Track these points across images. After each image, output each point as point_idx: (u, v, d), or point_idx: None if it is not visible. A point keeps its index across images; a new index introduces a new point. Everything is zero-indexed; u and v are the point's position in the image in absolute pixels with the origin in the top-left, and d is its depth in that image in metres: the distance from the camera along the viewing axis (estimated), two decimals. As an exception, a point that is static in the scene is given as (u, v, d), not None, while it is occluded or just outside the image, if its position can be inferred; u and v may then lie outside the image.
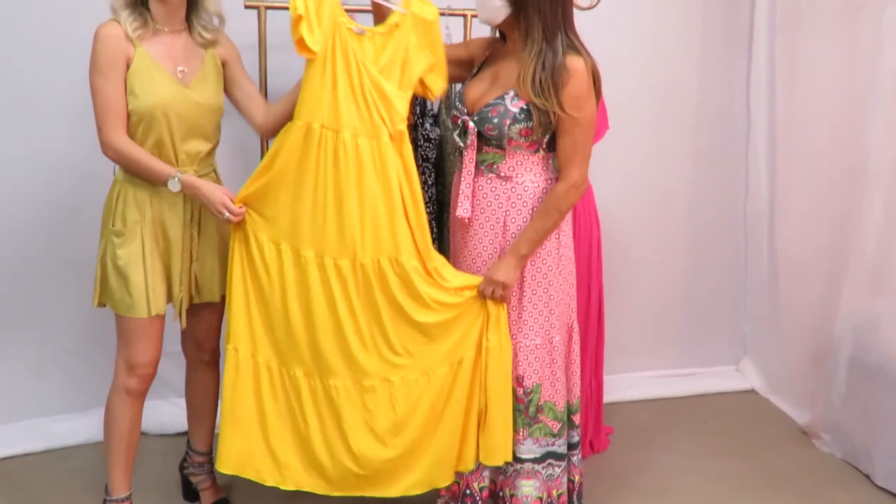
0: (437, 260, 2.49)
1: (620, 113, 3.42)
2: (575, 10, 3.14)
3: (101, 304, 2.53)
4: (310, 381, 2.49)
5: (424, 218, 2.46)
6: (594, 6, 3.13)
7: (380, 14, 2.51)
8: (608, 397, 3.54)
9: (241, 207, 2.42)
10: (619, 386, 3.84)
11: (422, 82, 2.47)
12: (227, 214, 2.39)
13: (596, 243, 3.26)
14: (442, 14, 2.61)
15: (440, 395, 2.49)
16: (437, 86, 2.48)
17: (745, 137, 3.93)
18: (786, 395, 3.83)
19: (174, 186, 2.37)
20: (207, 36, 2.52)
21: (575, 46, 2.39)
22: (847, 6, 3.33)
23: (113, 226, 2.44)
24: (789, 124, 3.68)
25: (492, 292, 2.44)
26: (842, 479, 3.24)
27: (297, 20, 2.30)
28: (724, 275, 4.08)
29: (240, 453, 2.51)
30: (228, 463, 2.52)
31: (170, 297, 2.54)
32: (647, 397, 3.89)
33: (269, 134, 2.62)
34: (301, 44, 2.34)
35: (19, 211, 3.24)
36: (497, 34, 2.58)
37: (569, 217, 2.57)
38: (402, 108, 2.39)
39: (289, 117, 2.44)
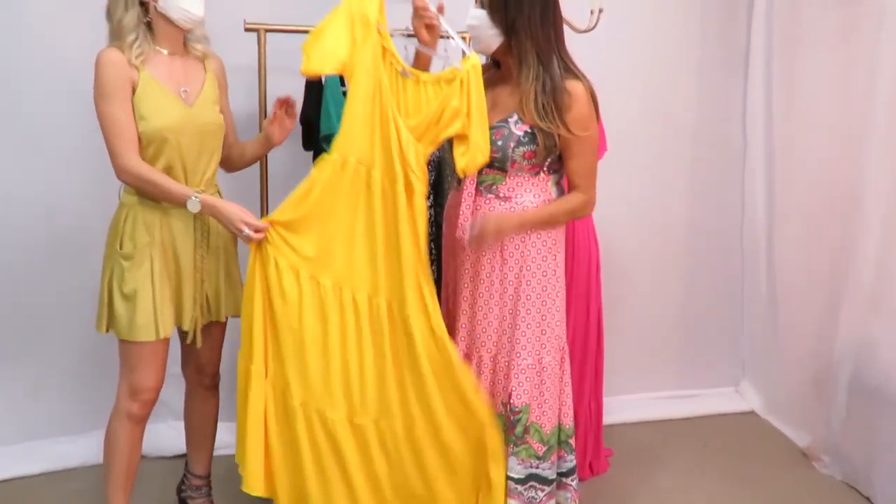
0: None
1: (619, 135, 3.44)
2: (572, 33, 3.20)
3: (107, 330, 2.52)
4: (305, 411, 2.45)
5: (426, 269, 2.43)
6: (591, 29, 3.17)
7: (420, 61, 2.55)
8: (608, 419, 3.53)
9: (264, 224, 2.40)
10: (619, 407, 3.83)
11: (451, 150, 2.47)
12: (247, 231, 2.36)
13: (595, 264, 3.26)
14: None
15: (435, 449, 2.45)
16: (461, 163, 2.42)
17: (742, 160, 3.95)
18: (785, 416, 3.82)
19: (194, 207, 2.37)
20: (200, 47, 2.56)
21: (571, 70, 2.44)
22: (842, 30, 3.35)
23: (121, 248, 2.44)
24: (786, 147, 3.70)
25: (478, 236, 2.41)
26: (842, 502, 3.23)
27: (339, 69, 2.37)
28: (723, 296, 4.09)
29: (255, 474, 2.48)
30: (254, 485, 2.49)
31: (177, 320, 2.54)
32: (646, 419, 3.88)
33: (229, 168, 2.70)
34: (308, 63, 2.39)
35: (18, 235, 3.25)
36: (490, 61, 2.60)
37: (562, 239, 2.59)
38: (414, 160, 2.37)
39: (252, 162, 2.59)
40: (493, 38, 2.42)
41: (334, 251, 2.42)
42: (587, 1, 3.18)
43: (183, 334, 2.60)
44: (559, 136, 2.40)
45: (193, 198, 2.36)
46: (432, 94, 2.39)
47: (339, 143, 2.40)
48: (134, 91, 2.37)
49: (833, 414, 3.38)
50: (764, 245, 3.87)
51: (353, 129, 2.38)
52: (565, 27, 3.16)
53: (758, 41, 3.78)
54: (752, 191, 3.90)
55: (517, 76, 2.43)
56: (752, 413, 4.00)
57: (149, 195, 2.42)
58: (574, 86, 2.40)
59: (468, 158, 2.39)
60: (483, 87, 2.39)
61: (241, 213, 2.39)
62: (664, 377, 4.05)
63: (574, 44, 3.17)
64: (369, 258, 2.41)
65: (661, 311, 4.02)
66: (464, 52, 2.43)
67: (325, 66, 2.38)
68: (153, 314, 2.43)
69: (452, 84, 2.36)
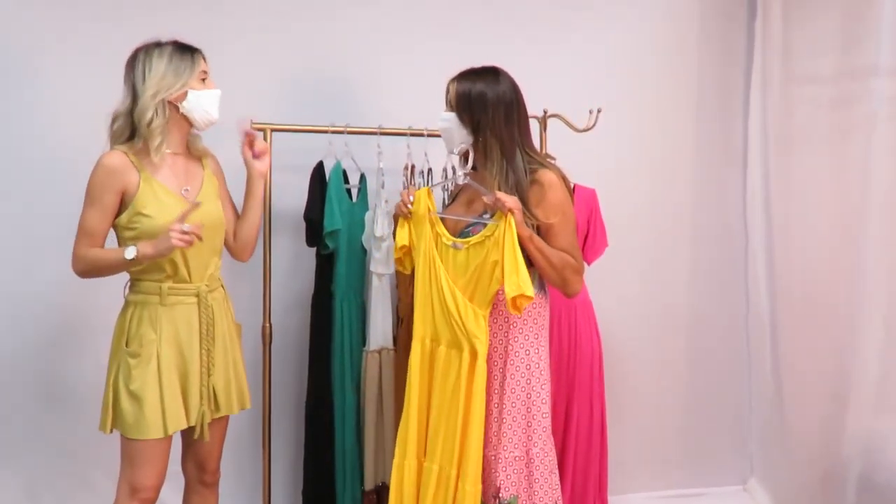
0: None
1: (619, 231, 3.48)
2: (571, 132, 3.27)
3: (112, 430, 2.48)
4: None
5: (480, 438, 2.51)
6: (590, 128, 3.23)
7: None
8: (613, 519, 3.46)
9: (189, 227, 2.38)
10: (625, 507, 3.75)
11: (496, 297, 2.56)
12: (177, 236, 2.33)
13: (597, 358, 3.26)
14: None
15: None
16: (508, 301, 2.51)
17: (744, 253, 3.97)
18: (796, 515, 3.74)
19: (130, 254, 2.37)
20: (200, 146, 2.62)
21: (537, 161, 2.57)
22: (835, 133, 3.42)
23: (128, 347, 2.44)
24: (787, 240, 3.73)
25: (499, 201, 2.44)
26: None
27: (402, 250, 2.67)
28: (729, 391, 4.05)
29: None
30: None
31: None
32: (653, 519, 3.80)
33: (237, 256, 2.72)
34: (400, 262, 2.72)
35: (13, 335, 3.26)
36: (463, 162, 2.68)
37: (545, 332, 2.62)
38: (474, 326, 2.49)
39: (248, 235, 2.67)
40: (463, 138, 2.56)
41: (419, 424, 2.60)
42: (586, 101, 3.25)
43: (188, 430, 2.57)
44: (536, 225, 2.49)
45: (129, 247, 2.38)
46: (474, 254, 2.52)
47: (416, 327, 2.63)
48: (132, 192, 2.42)
49: (843, 513, 3.32)
50: (768, 339, 3.86)
51: (422, 311, 2.61)
52: (565, 126, 3.27)
53: (754, 138, 3.85)
54: (756, 283, 3.91)
55: (484, 172, 2.57)
56: (761, 512, 3.92)
57: (99, 272, 2.46)
58: (545, 174, 2.52)
59: (510, 298, 2.45)
60: (509, 229, 2.45)
61: (171, 226, 2.37)
62: (670, 475, 3.98)
63: (573, 144, 3.28)
64: (432, 427, 2.56)
65: (666, 407, 3.98)
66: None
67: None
68: (160, 411, 2.42)
69: (489, 241, 2.48)
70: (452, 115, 2.56)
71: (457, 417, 2.50)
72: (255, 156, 2.63)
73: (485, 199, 2.49)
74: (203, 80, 2.50)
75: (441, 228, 2.61)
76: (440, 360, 2.56)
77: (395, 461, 2.60)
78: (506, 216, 2.41)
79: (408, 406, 2.61)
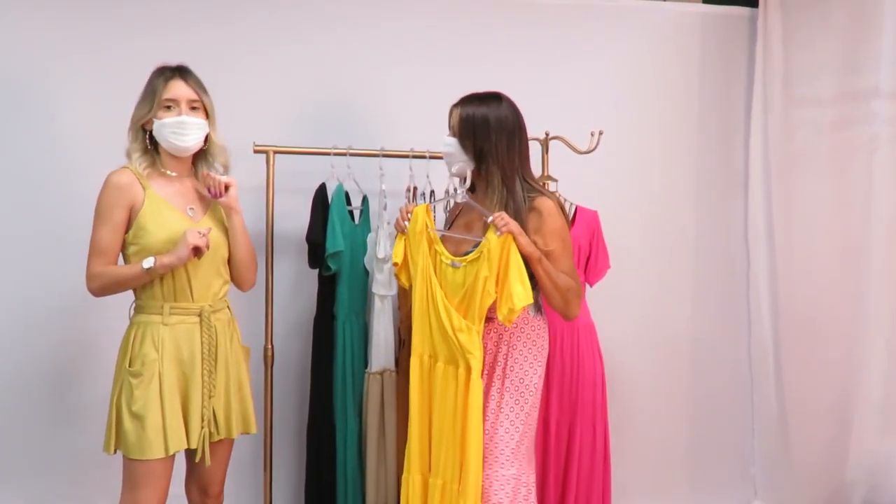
0: None
1: (621, 252, 3.48)
2: (574, 155, 3.28)
3: (115, 451, 2.48)
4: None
5: (479, 454, 2.53)
6: (592, 150, 3.24)
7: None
8: (616, 543, 3.43)
9: (203, 230, 2.46)
10: (628, 531, 3.72)
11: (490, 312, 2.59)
12: (194, 234, 2.40)
13: (600, 380, 3.25)
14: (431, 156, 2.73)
15: None
16: (502, 314, 2.52)
17: (746, 277, 3.96)
18: (800, 538, 3.71)
19: (149, 263, 2.40)
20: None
21: (536, 189, 2.61)
22: (838, 151, 3.43)
23: (130, 366, 2.44)
24: (789, 264, 3.72)
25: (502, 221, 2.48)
26: None
27: (397, 266, 2.72)
28: (732, 414, 4.02)
29: None
30: None
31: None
32: (657, 542, 3.77)
33: (236, 286, 2.71)
34: (398, 277, 2.76)
35: (15, 356, 3.26)
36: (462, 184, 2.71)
37: (544, 354, 2.65)
38: (468, 342, 2.53)
39: (236, 268, 2.64)
40: (466, 164, 2.60)
41: (420, 440, 2.64)
42: (588, 123, 3.26)
43: (188, 452, 2.56)
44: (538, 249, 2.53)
45: (147, 259, 2.40)
46: (469, 271, 2.55)
47: (414, 345, 2.67)
48: (138, 208, 2.45)
49: (849, 536, 3.29)
50: (772, 362, 3.84)
51: (420, 328, 2.65)
52: (566, 148, 3.28)
53: (756, 162, 3.85)
54: (758, 308, 3.90)
55: (484, 199, 2.61)
56: (765, 535, 3.89)
57: (118, 287, 2.47)
58: (543, 202, 2.57)
59: (506, 308, 2.49)
60: (512, 251, 2.49)
61: (187, 233, 2.42)
62: (673, 498, 3.95)
63: (575, 167, 3.29)
64: (434, 442, 2.61)
65: (669, 430, 3.95)
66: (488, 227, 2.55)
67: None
68: (162, 431, 2.41)
69: (480, 258, 2.52)
70: (455, 141, 2.60)
71: (455, 433, 2.53)
72: (214, 196, 2.59)
73: (486, 219, 2.51)
74: (168, 107, 2.49)
75: (440, 247, 2.63)
76: (438, 377, 2.60)
77: (403, 476, 2.64)
78: (502, 235, 2.45)
79: (411, 422, 2.65)
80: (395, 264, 2.72)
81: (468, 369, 2.52)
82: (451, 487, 2.53)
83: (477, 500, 2.48)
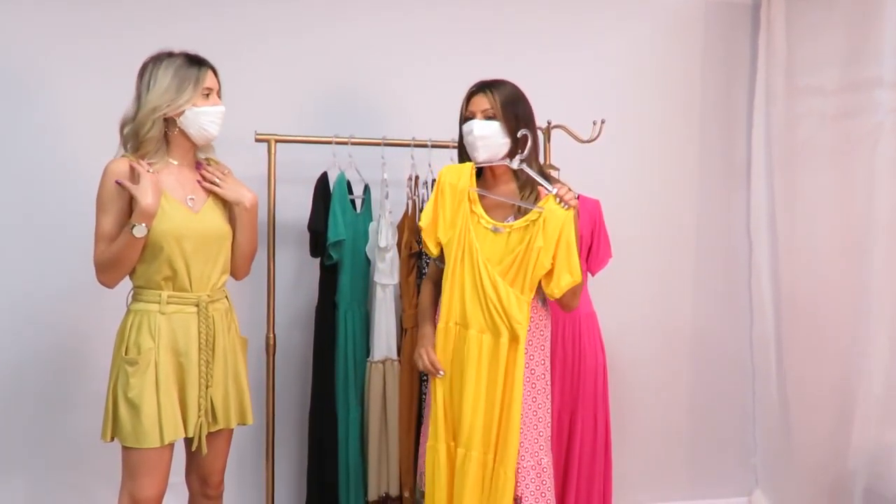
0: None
1: (623, 242, 3.47)
2: (576, 144, 3.27)
3: (112, 439, 2.48)
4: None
5: (518, 424, 2.50)
6: (594, 139, 3.24)
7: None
8: (618, 532, 3.44)
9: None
10: (629, 520, 3.74)
11: (540, 285, 2.54)
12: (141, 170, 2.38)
13: (602, 371, 3.24)
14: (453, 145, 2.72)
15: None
16: (550, 291, 2.50)
17: (748, 267, 3.96)
18: (801, 528, 3.72)
19: (140, 232, 2.36)
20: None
21: (545, 175, 2.60)
22: (841, 141, 3.41)
23: (126, 354, 2.43)
24: (791, 255, 3.71)
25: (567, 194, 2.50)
26: None
27: (421, 230, 2.60)
28: (733, 404, 4.03)
29: None
30: None
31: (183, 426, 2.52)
32: (657, 531, 3.78)
33: (235, 276, 2.69)
34: (425, 246, 2.61)
35: (16, 344, 3.26)
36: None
37: (548, 345, 2.63)
38: (517, 312, 2.48)
39: (242, 255, 2.63)
40: (502, 148, 2.55)
41: (450, 408, 2.57)
42: (590, 112, 3.25)
43: (188, 441, 2.57)
44: None
45: (136, 226, 2.36)
46: (516, 238, 2.51)
47: (442, 312, 2.58)
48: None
49: (850, 526, 3.30)
50: (773, 352, 3.84)
51: (448, 296, 2.55)
52: (568, 136, 3.28)
53: (758, 154, 3.85)
54: (759, 299, 3.90)
55: (497, 185, 2.61)
56: (765, 525, 3.90)
57: (119, 263, 2.41)
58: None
59: (554, 283, 2.47)
60: (569, 226, 2.48)
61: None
62: (674, 488, 3.97)
63: (578, 156, 3.28)
64: (465, 412, 2.51)
65: (670, 421, 3.96)
66: (541, 194, 2.54)
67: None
68: (157, 420, 2.41)
69: (533, 227, 2.48)
70: (496, 125, 2.53)
71: (494, 405, 2.48)
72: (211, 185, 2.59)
73: (551, 190, 2.49)
74: (207, 95, 2.49)
75: (479, 209, 2.56)
76: (471, 345, 2.51)
77: (429, 443, 2.58)
78: (569, 208, 2.45)
79: (435, 392, 2.57)
80: (421, 228, 2.59)
81: (514, 339, 2.46)
82: (486, 458, 2.50)
83: (514, 473, 2.47)
